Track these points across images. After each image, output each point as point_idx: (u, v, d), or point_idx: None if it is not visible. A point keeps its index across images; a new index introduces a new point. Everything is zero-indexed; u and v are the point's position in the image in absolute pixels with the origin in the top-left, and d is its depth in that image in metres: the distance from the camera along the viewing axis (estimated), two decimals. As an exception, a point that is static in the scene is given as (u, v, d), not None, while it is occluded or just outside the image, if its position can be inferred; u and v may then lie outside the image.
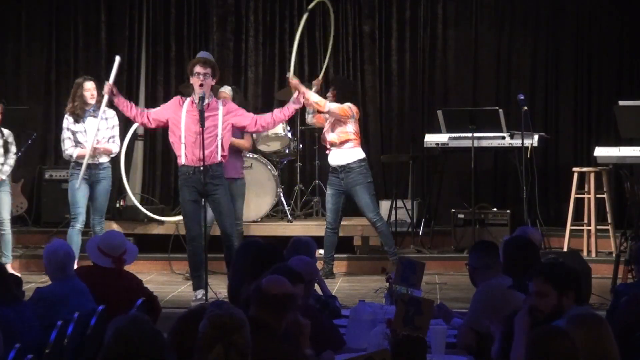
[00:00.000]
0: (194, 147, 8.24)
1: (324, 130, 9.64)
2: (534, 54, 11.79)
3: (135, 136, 12.16)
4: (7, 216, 9.69)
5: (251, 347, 3.70)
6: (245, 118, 8.49)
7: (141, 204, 11.70)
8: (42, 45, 12.14)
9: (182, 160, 8.35)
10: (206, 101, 8.31)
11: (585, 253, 10.14)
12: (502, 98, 11.69)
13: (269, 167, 10.66)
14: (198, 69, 8.34)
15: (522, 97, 10.10)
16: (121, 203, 10.84)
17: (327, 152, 9.63)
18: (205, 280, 8.30)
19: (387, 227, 9.88)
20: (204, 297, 8.35)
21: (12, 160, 9.73)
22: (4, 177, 9.59)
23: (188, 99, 8.42)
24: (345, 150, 9.50)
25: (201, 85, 8.29)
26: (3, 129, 9.77)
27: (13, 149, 9.78)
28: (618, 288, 5.95)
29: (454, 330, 5.43)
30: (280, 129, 10.74)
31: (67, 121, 9.31)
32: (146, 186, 12.06)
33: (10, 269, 9.57)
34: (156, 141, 12.06)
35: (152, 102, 12.08)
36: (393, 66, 11.96)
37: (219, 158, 8.36)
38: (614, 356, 3.85)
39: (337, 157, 9.54)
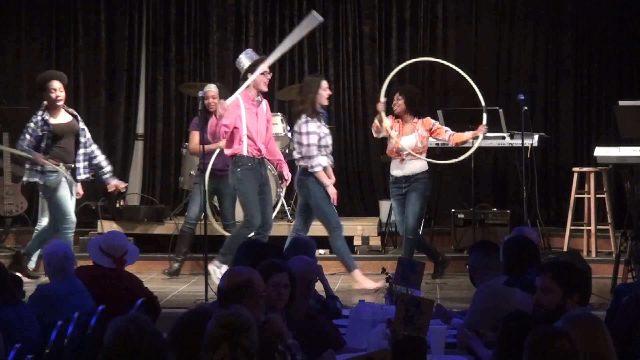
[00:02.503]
0: (257, 140, 8.77)
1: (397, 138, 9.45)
2: (534, 54, 11.79)
3: (135, 136, 12.18)
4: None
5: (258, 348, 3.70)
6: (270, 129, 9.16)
7: (141, 204, 11.74)
8: (42, 45, 12.14)
9: (243, 151, 8.76)
10: (258, 98, 8.93)
11: (585, 253, 10.14)
12: (502, 98, 11.69)
13: (269, 167, 10.65)
14: (265, 67, 8.87)
15: (522, 97, 10.10)
16: (121, 203, 10.84)
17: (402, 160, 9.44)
18: (205, 280, 8.31)
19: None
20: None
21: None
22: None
23: (241, 96, 8.84)
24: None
25: (265, 84, 8.98)
26: None
27: None
28: (618, 288, 5.95)
29: (453, 330, 5.43)
30: (280, 129, 10.74)
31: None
32: (146, 186, 12.06)
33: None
34: (156, 141, 12.06)
35: (152, 102, 12.10)
36: (393, 66, 11.92)
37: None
38: (611, 357, 3.85)
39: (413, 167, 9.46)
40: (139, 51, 12.10)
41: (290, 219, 10.66)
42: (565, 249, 10.07)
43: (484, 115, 9.57)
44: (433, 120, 9.60)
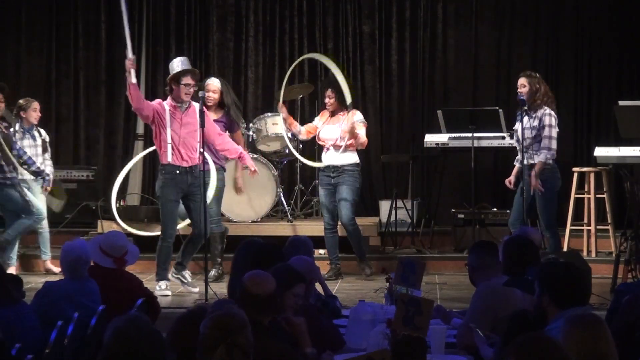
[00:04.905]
0: (181, 148, 8.55)
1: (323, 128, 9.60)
2: (534, 54, 11.78)
3: (135, 136, 12.18)
4: (45, 214, 9.77)
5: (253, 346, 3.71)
6: (215, 130, 8.86)
7: (141, 204, 11.74)
8: (42, 45, 12.15)
9: (167, 159, 8.59)
10: (185, 105, 8.67)
11: (585, 253, 10.14)
12: (502, 98, 11.69)
13: (269, 167, 10.66)
14: (188, 80, 8.60)
15: (523, 97, 10.08)
16: (121, 203, 10.83)
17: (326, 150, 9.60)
18: (205, 280, 8.32)
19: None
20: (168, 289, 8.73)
21: (49, 160, 9.92)
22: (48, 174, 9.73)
23: (166, 103, 8.66)
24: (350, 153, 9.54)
25: (187, 94, 8.61)
26: (40, 129, 9.86)
27: (49, 149, 9.94)
28: (619, 288, 5.94)
29: (453, 330, 5.43)
30: (280, 129, 10.73)
31: None
32: (146, 186, 12.07)
33: (50, 265, 9.75)
34: (156, 141, 12.06)
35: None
36: (393, 66, 11.96)
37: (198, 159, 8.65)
38: (612, 357, 3.84)
39: (338, 158, 9.53)
40: (139, 51, 12.09)
41: (291, 219, 10.66)
42: (565, 249, 10.06)
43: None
44: (359, 117, 9.55)
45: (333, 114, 9.58)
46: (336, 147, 9.51)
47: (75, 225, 10.92)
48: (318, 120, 9.73)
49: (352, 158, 9.56)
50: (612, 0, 11.65)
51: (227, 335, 3.63)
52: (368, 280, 9.51)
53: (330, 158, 9.56)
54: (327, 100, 9.57)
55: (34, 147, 9.71)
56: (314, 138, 10.12)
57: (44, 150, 9.84)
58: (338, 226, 9.67)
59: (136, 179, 12.14)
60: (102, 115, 12.13)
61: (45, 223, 9.84)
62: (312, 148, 11.42)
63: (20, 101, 9.73)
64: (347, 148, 9.49)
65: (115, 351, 3.56)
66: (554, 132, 8.88)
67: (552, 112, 8.97)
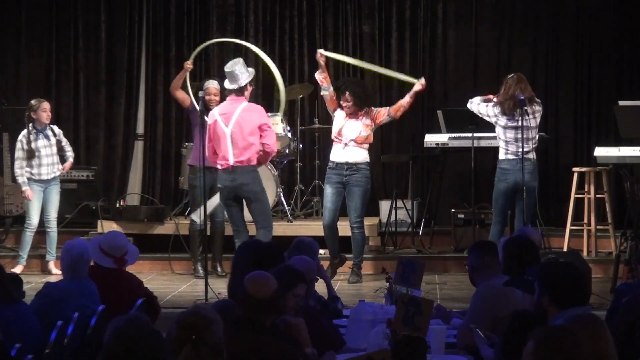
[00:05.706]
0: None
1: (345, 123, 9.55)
2: (534, 54, 11.79)
3: (135, 136, 12.18)
4: (54, 214, 9.84)
5: (236, 345, 3.71)
6: None
7: (141, 204, 11.74)
8: (42, 45, 12.15)
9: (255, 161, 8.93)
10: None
11: (585, 253, 10.15)
12: (502, 98, 11.67)
13: (269, 167, 10.65)
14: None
15: (522, 97, 10.08)
16: (121, 203, 10.84)
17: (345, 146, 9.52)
18: (205, 280, 8.32)
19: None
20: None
21: (70, 158, 10.02)
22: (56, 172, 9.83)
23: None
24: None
25: None
26: (54, 127, 9.88)
27: (68, 147, 10.00)
28: (619, 288, 5.95)
29: (453, 330, 5.43)
30: (280, 129, 10.73)
31: None
32: (146, 186, 12.07)
33: (52, 266, 9.77)
34: (156, 141, 12.06)
35: (152, 102, 12.10)
36: (393, 66, 11.94)
37: None
38: (612, 357, 3.84)
39: (353, 154, 9.52)
40: (139, 51, 12.11)
41: (291, 219, 10.66)
42: (565, 249, 10.07)
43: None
44: (375, 109, 9.61)
45: (351, 115, 9.52)
46: (358, 140, 9.44)
47: (75, 225, 10.92)
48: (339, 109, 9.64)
49: (366, 156, 9.53)
50: (612, 0, 11.65)
51: (192, 334, 3.64)
52: (368, 281, 9.52)
53: (345, 154, 9.47)
54: (344, 103, 9.49)
55: (49, 146, 9.75)
56: (311, 138, 10.13)
57: (59, 149, 9.90)
58: (338, 225, 9.65)
59: (136, 179, 12.13)
60: (102, 115, 12.12)
61: (53, 224, 9.87)
62: (312, 148, 11.44)
63: (32, 102, 9.80)
64: (364, 141, 9.46)
65: (115, 351, 3.55)
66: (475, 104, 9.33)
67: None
